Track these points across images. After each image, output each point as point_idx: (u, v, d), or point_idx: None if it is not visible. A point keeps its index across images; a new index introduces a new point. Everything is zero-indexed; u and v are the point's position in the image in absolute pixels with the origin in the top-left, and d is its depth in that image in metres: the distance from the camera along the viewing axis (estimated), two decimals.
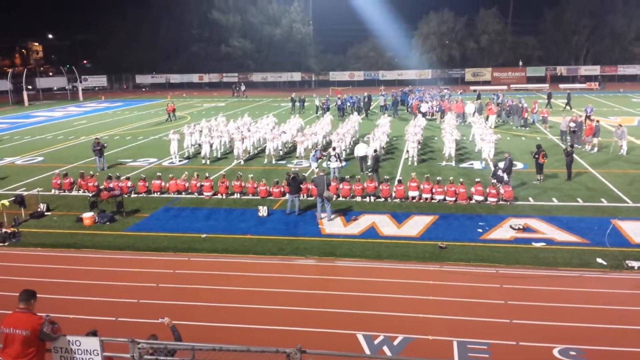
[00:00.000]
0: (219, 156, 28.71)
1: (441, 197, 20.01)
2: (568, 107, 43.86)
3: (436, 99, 44.92)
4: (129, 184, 22.11)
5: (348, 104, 45.43)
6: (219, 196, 21.32)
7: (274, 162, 27.26)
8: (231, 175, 23.07)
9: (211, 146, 28.07)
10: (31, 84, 73.26)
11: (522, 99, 40.02)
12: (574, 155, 22.98)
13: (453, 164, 25.80)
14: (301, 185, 19.87)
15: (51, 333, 6.88)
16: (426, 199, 20.14)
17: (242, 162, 27.30)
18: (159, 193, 21.91)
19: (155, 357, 6.97)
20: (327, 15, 77.42)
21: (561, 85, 65.61)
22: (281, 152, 28.96)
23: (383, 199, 20.37)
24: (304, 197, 20.71)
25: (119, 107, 57.86)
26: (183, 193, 21.78)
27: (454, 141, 26.49)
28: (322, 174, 19.14)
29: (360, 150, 24.66)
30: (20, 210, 19.69)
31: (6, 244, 17.17)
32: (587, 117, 33.63)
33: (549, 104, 43.89)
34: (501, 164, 21.19)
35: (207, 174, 22.11)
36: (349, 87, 69.70)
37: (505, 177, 20.44)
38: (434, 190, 20.15)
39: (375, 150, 23.77)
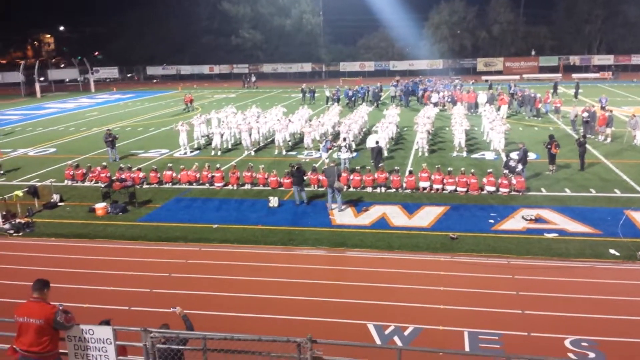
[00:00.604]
0: (229, 147, 28.74)
1: (452, 187, 19.93)
2: (576, 98, 43.32)
3: (448, 89, 44.56)
4: (141, 174, 22.24)
5: (359, 94, 45.27)
6: (230, 187, 21.37)
7: (284, 152, 27.26)
8: (242, 166, 23.11)
9: (222, 137, 28.11)
10: (43, 76, 73.68)
11: (526, 89, 39.56)
12: (587, 145, 22.76)
13: (464, 154, 25.66)
14: (304, 177, 19.89)
15: (65, 322, 6.95)
16: (437, 189, 20.07)
17: (253, 153, 27.32)
18: (170, 184, 22.02)
19: (167, 346, 7.03)
20: (337, 5, 77.00)
21: (574, 75, 64.97)
22: (290, 143, 28.95)
23: (394, 190, 20.33)
24: (314, 187, 20.77)
25: (130, 99, 58.08)
26: (194, 184, 21.86)
27: (464, 131, 26.33)
28: (332, 164, 19.11)
29: (371, 142, 24.56)
30: (33, 200, 19.88)
31: (20, 234, 17.37)
32: (602, 107, 33.24)
33: (555, 93, 43.52)
34: (514, 154, 21.04)
35: (218, 165, 22.17)
36: (359, 78, 69.44)
37: (519, 167, 20.30)
38: (445, 180, 20.08)
39: (376, 142, 23.64)
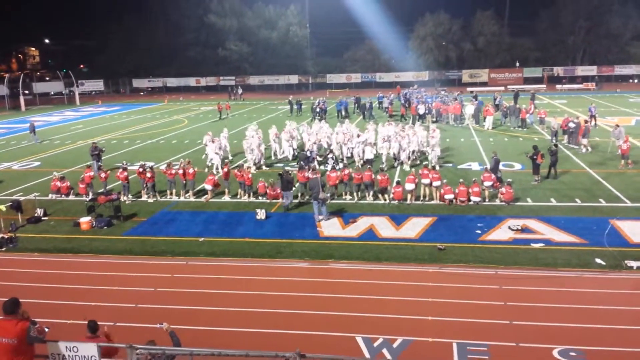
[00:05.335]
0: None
1: (438, 185, 20.04)
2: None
3: (436, 99, 44.47)
4: (129, 176, 22.11)
5: (343, 107, 45.27)
6: (225, 198, 21.25)
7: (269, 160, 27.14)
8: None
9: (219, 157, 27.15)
10: (28, 89, 73.04)
11: (500, 99, 40.14)
12: (558, 155, 22.92)
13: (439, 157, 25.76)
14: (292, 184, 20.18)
15: (38, 335, 6.89)
16: (424, 196, 20.13)
17: (254, 170, 26.42)
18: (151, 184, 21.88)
19: None
20: (324, 17, 77.43)
21: (559, 87, 65.76)
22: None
23: (382, 202, 20.28)
24: (300, 200, 20.76)
25: (116, 111, 57.76)
26: (182, 192, 21.80)
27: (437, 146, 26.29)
28: (315, 176, 19.11)
29: (368, 153, 24.63)
30: (17, 215, 19.61)
31: (3, 249, 17.09)
32: (592, 116, 33.93)
33: (515, 102, 43.53)
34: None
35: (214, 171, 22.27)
36: (345, 90, 69.72)
37: (499, 175, 20.45)
38: (431, 176, 20.25)
39: (307, 149, 24.85)
